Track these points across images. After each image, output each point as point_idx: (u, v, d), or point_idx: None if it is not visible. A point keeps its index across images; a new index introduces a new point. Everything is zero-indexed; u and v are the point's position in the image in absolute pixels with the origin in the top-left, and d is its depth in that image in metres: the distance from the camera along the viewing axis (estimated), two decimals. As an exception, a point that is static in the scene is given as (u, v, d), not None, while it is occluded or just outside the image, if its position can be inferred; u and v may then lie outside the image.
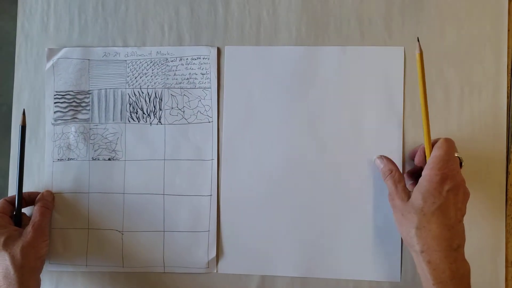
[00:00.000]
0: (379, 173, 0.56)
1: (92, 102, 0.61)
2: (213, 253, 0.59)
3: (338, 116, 0.59)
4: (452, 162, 0.49)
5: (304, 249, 0.58)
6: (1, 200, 0.57)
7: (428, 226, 0.48)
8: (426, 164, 0.50)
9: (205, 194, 0.60)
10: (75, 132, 0.61)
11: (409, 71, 0.59)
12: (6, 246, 0.52)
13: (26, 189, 0.61)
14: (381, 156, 0.56)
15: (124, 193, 0.60)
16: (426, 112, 0.52)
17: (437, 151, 0.50)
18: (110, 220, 0.60)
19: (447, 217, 0.48)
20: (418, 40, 0.52)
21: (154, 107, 0.61)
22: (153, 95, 0.61)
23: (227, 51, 0.61)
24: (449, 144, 0.50)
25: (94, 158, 0.61)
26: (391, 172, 0.54)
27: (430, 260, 0.48)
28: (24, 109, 0.60)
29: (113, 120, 0.61)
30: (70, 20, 0.62)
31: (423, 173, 0.50)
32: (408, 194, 0.51)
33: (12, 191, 0.62)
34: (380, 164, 0.56)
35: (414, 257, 0.51)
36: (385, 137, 0.58)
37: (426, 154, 0.52)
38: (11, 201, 0.57)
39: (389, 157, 0.56)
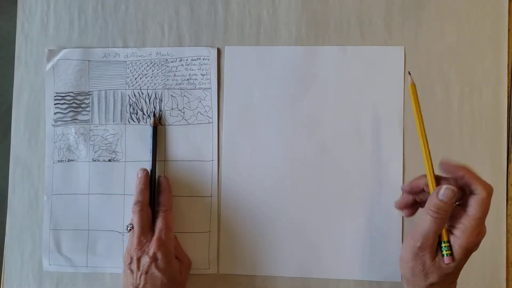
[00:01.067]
0: (379, 173, 0.56)
1: (92, 103, 0.61)
2: (214, 254, 0.59)
3: (338, 116, 0.59)
4: (484, 222, 0.45)
5: (305, 249, 0.58)
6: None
7: (442, 285, 0.46)
8: (462, 223, 0.44)
9: (205, 195, 0.60)
10: (75, 133, 0.61)
11: (410, 71, 0.58)
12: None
13: (26, 189, 0.61)
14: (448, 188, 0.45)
15: (124, 194, 0.60)
16: (427, 150, 0.48)
17: (477, 210, 0.43)
18: (111, 221, 0.60)
19: (457, 276, 0.47)
20: (410, 74, 0.51)
21: (154, 108, 0.61)
22: (153, 96, 0.61)
23: (227, 51, 0.60)
24: (490, 201, 0.44)
25: (94, 159, 0.61)
26: (445, 216, 0.45)
27: None
28: (154, 112, 0.60)
29: (113, 121, 0.61)
30: (70, 21, 0.62)
31: (456, 232, 0.45)
32: (436, 250, 0.46)
33: (12, 191, 0.62)
34: (443, 195, 0.45)
35: None
36: (385, 137, 0.58)
37: (430, 189, 0.47)
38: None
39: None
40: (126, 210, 0.60)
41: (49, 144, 0.62)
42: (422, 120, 0.49)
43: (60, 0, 0.62)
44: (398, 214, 0.57)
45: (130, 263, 0.53)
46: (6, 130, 0.63)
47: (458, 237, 0.44)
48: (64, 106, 0.62)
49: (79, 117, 0.61)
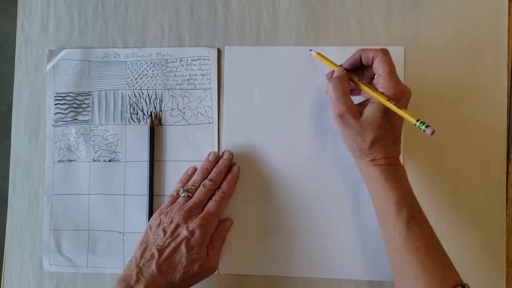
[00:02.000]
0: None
1: (93, 104, 0.61)
2: (214, 254, 0.59)
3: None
4: (397, 77, 0.50)
5: (305, 249, 0.58)
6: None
7: (383, 140, 0.50)
8: (377, 83, 0.50)
9: (205, 194, 0.60)
10: (76, 133, 0.61)
11: (409, 71, 0.59)
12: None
13: (26, 190, 0.61)
14: (341, 69, 0.54)
15: (124, 195, 0.60)
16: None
17: (383, 67, 0.49)
18: (111, 222, 0.60)
19: (396, 130, 0.51)
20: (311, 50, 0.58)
21: (155, 108, 0.61)
22: (154, 96, 0.61)
23: (227, 51, 0.61)
24: (389, 57, 0.50)
25: (94, 160, 0.61)
26: (341, 83, 0.51)
27: (381, 164, 0.50)
28: (151, 113, 0.60)
29: (114, 122, 0.61)
30: (70, 21, 0.62)
31: (380, 90, 0.50)
32: (356, 110, 0.50)
33: (13, 191, 0.62)
34: (336, 73, 0.53)
35: (362, 166, 0.52)
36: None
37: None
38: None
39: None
40: (126, 210, 0.60)
41: (49, 144, 0.62)
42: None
43: (60, 0, 0.62)
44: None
45: (168, 224, 0.53)
46: (6, 130, 0.63)
47: (383, 92, 0.49)
48: (65, 106, 0.62)
49: (80, 117, 0.61)
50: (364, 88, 0.51)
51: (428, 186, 0.58)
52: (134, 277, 0.50)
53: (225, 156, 0.58)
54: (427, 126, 0.46)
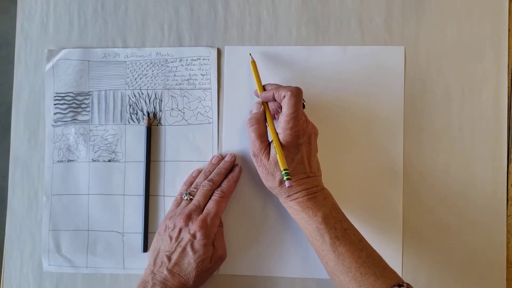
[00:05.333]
0: (379, 173, 0.56)
1: (92, 104, 0.61)
2: (213, 254, 0.59)
3: (338, 115, 0.59)
4: (300, 116, 0.52)
5: (305, 249, 0.58)
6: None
7: (293, 176, 0.51)
8: (279, 123, 0.52)
9: (205, 195, 0.60)
10: (75, 133, 0.61)
11: (409, 71, 0.59)
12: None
13: (26, 190, 0.61)
14: (260, 102, 0.56)
15: (124, 195, 0.60)
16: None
17: (285, 109, 0.51)
18: (111, 222, 0.60)
19: (304, 167, 0.52)
20: (250, 54, 0.59)
21: (154, 108, 0.61)
22: (153, 96, 0.61)
23: (227, 51, 0.60)
24: (296, 99, 0.51)
25: (94, 160, 0.61)
26: (258, 124, 0.54)
27: (296, 198, 0.52)
28: (148, 113, 0.61)
29: (113, 122, 0.61)
30: (70, 21, 0.62)
31: (278, 131, 0.52)
32: (269, 151, 0.53)
33: (12, 191, 0.62)
34: (254, 109, 0.56)
35: (282, 202, 0.54)
36: (385, 136, 0.58)
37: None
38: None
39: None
40: (126, 210, 0.60)
41: (49, 144, 0.61)
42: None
43: (60, 0, 0.62)
44: (398, 214, 0.57)
45: (172, 229, 0.54)
46: (6, 130, 0.63)
47: (280, 135, 0.52)
48: (64, 106, 0.61)
49: (79, 117, 0.61)
50: (270, 131, 0.53)
51: (428, 187, 0.58)
52: (150, 282, 0.51)
53: (227, 159, 0.58)
54: (288, 179, 0.49)
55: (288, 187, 0.49)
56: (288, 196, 0.52)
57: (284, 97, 0.52)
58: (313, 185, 0.52)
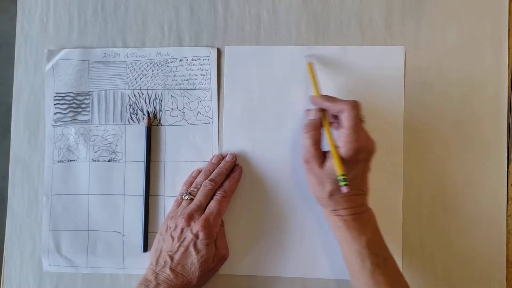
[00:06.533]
0: (379, 172, 0.56)
1: (92, 104, 0.61)
2: (213, 254, 0.59)
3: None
4: (361, 130, 0.51)
5: (305, 249, 0.58)
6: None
7: (341, 192, 0.50)
8: (339, 136, 0.51)
9: (205, 195, 0.60)
10: (75, 133, 0.61)
11: (409, 71, 0.59)
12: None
13: (26, 190, 0.61)
14: (318, 109, 0.55)
15: (124, 195, 0.60)
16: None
17: (346, 122, 0.50)
18: (111, 222, 0.60)
19: (357, 183, 0.51)
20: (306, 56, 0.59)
21: (154, 108, 0.61)
22: (153, 96, 0.61)
23: (227, 51, 0.60)
24: (356, 112, 0.50)
25: (94, 160, 0.61)
26: (315, 131, 0.53)
27: (342, 214, 0.51)
28: (148, 113, 0.61)
29: (113, 122, 0.61)
30: (70, 21, 0.62)
31: (338, 143, 0.51)
32: (323, 159, 0.52)
33: (12, 191, 0.62)
34: (311, 115, 0.55)
35: (326, 214, 0.54)
36: (385, 136, 0.58)
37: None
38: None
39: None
40: (126, 210, 0.60)
41: (49, 144, 0.61)
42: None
43: (60, 0, 0.62)
44: (398, 214, 0.57)
45: (174, 229, 0.54)
46: (6, 130, 0.63)
47: (340, 147, 0.50)
48: (64, 106, 0.61)
49: (79, 117, 0.61)
50: (328, 139, 0.52)
51: (428, 186, 0.58)
52: (153, 282, 0.51)
53: (227, 158, 0.58)
54: (346, 184, 0.48)
55: (344, 192, 0.48)
56: (334, 210, 0.52)
57: (342, 110, 0.51)
58: (361, 204, 0.52)
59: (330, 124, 0.54)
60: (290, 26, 0.60)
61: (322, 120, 0.54)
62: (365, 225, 0.51)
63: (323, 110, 0.54)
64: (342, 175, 0.49)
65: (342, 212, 0.51)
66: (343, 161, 0.50)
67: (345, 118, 0.50)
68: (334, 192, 0.51)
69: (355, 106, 0.50)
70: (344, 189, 0.48)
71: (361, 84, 0.59)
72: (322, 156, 0.52)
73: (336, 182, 0.50)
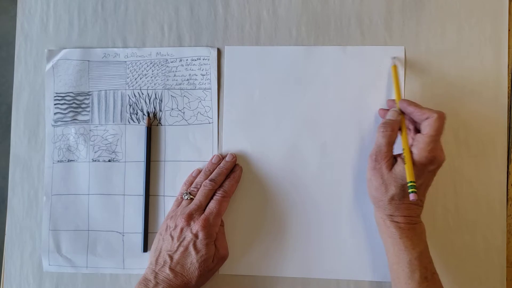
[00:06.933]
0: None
1: (92, 104, 0.61)
2: (213, 254, 0.59)
3: (338, 115, 0.59)
4: (439, 142, 0.50)
5: (305, 249, 0.58)
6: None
7: (403, 199, 0.50)
8: (416, 141, 0.50)
9: (205, 195, 0.60)
10: (75, 133, 0.61)
11: (409, 70, 0.58)
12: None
13: (26, 190, 0.61)
14: (398, 111, 0.54)
15: (124, 195, 0.60)
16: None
17: (429, 130, 0.49)
18: (111, 222, 0.60)
19: (421, 193, 0.51)
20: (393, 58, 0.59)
21: (154, 108, 0.61)
22: (153, 96, 0.61)
23: (227, 51, 0.60)
24: (441, 123, 0.50)
25: (94, 160, 0.61)
26: (392, 131, 0.52)
27: (398, 221, 0.51)
28: (148, 113, 0.61)
29: (113, 122, 0.61)
30: (70, 21, 0.62)
31: (413, 149, 0.50)
32: (393, 162, 0.51)
33: (12, 191, 0.62)
34: (390, 115, 0.54)
35: (379, 217, 0.53)
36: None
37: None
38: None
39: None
40: (126, 210, 0.60)
41: (49, 144, 0.61)
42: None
43: (60, 0, 0.62)
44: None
45: (174, 229, 0.54)
46: (6, 130, 0.63)
47: (415, 153, 0.50)
48: (64, 106, 0.61)
49: (79, 117, 0.61)
50: (403, 143, 0.52)
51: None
52: (153, 281, 0.52)
53: (227, 159, 0.58)
54: (414, 191, 0.48)
55: (411, 200, 0.48)
56: (390, 215, 0.51)
57: (428, 117, 0.50)
58: (416, 215, 0.52)
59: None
60: (290, 26, 0.60)
61: (401, 122, 0.53)
62: (418, 237, 0.50)
63: (402, 115, 0.54)
64: (412, 182, 0.48)
65: (399, 219, 0.51)
66: (414, 167, 0.49)
67: (429, 126, 0.49)
68: (397, 197, 0.50)
69: (442, 116, 0.50)
70: (412, 196, 0.48)
71: (361, 84, 0.59)
72: (393, 159, 0.52)
73: (402, 187, 0.50)
